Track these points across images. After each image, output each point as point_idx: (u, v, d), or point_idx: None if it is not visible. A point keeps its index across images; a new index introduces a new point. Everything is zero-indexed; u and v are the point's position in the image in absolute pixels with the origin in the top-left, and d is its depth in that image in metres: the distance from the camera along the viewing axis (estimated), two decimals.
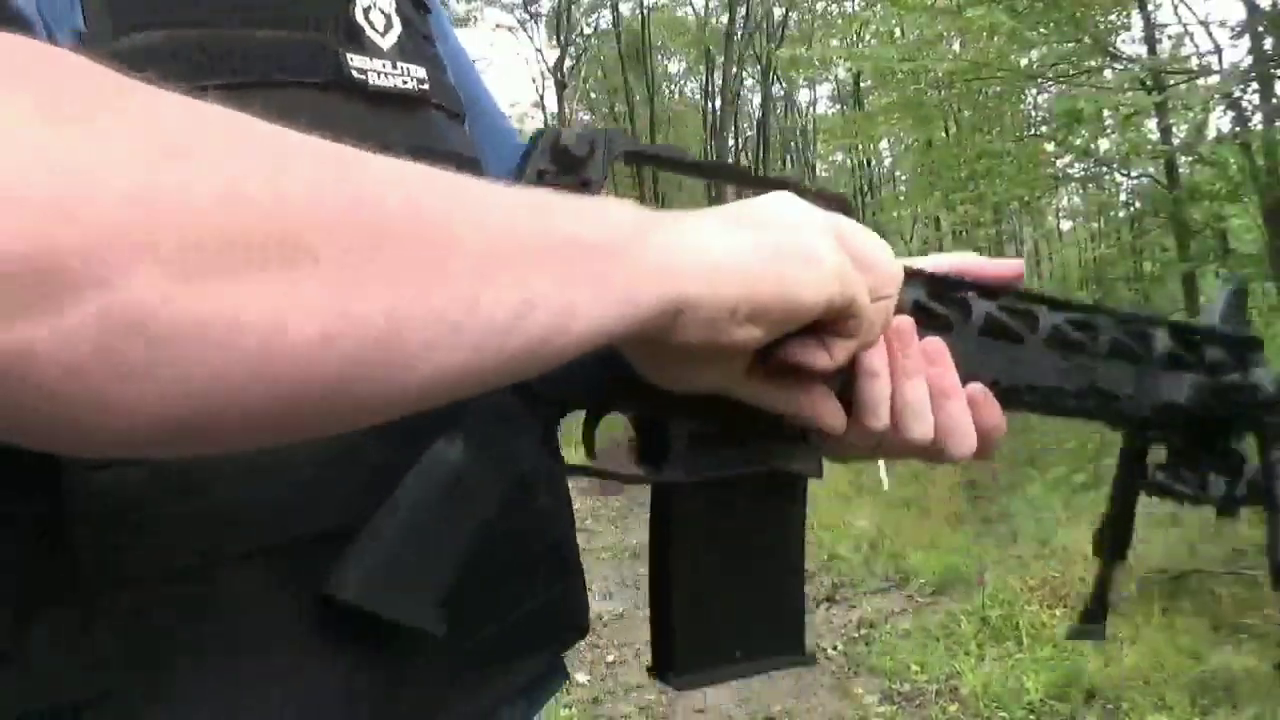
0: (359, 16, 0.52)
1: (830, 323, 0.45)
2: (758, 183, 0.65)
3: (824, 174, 32.34)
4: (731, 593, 0.56)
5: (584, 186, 0.48)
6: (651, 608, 0.55)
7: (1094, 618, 0.77)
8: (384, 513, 0.46)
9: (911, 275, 0.57)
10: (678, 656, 0.54)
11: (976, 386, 0.57)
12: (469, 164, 0.57)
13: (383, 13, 0.53)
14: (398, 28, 0.55)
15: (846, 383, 0.53)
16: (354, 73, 0.50)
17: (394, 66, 0.52)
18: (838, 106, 26.80)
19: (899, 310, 0.54)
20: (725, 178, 0.61)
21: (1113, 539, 0.75)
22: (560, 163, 0.48)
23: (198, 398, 0.28)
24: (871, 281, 0.46)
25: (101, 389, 0.27)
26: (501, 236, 0.34)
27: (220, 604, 0.44)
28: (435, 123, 0.56)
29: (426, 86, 0.54)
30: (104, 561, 0.41)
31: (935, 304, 0.58)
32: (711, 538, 0.55)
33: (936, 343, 0.56)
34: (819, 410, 0.51)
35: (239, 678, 0.44)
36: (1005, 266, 0.63)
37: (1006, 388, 0.59)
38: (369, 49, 0.51)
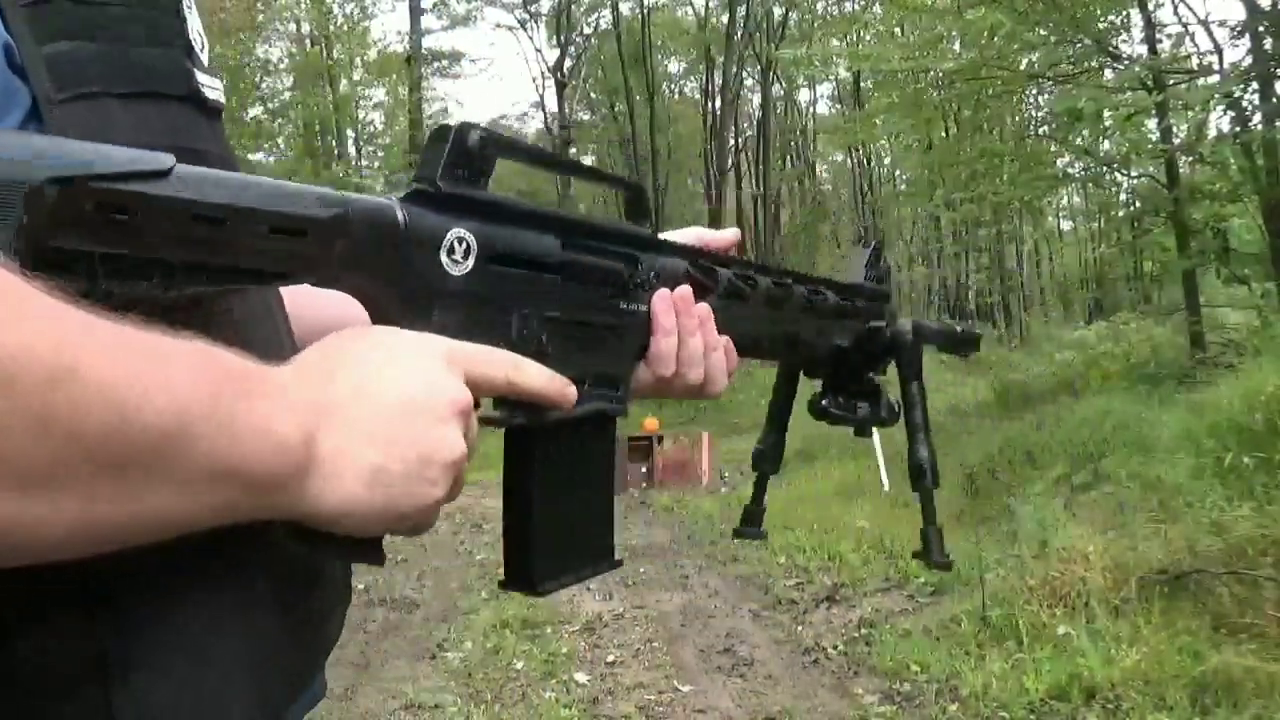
0: (191, 34, 0.55)
1: None
2: (609, 180, 0.74)
3: (824, 174, 32.30)
4: (568, 513, 0.68)
5: (481, 177, 0.57)
6: (508, 534, 0.66)
7: (753, 520, 0.96)
8: None
9: (679, 249, 0.73)
10: (536, 569, 0.65)
11: (724, 339, 0.75)
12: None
13: (198, 32, 0.57)
14: (206, 43, 0.58)
15: (646, 336, 0.70)
16: (199, 87, 0.55)
17: (214, 80, 0.57)
18: (838, 106, 26.79)
19: (675, 278, 0.72)
20: (578, 174, 0.75)
21: (769, 458, 0.96)
22: (463, 155, 0.56)
23: None
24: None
25: None
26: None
27: None
28: (223, 129, 0.61)
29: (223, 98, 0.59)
30: None
31: (697, 273, 0.74)
32: (554, 470, 0.66)
33: (705, 308, 0.74)
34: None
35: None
36: (728, 236, 0.82)
37: (736, 337, 0.77)
38: (197, 64, 0.55)
